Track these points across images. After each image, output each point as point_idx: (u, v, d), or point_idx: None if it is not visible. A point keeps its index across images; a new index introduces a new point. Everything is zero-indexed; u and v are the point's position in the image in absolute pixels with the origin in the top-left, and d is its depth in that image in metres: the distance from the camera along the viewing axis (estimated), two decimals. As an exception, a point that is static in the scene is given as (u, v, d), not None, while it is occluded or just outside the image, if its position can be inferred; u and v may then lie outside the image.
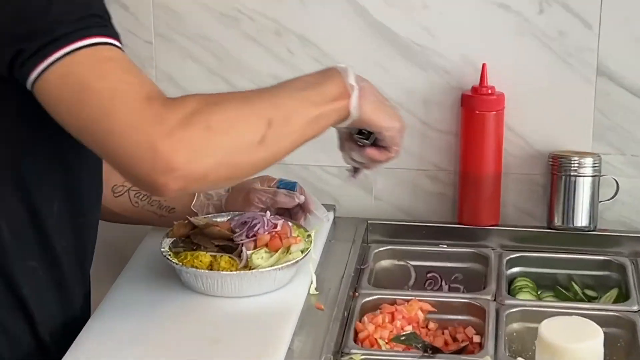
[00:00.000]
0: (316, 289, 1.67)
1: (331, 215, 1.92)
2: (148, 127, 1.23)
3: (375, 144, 1.56)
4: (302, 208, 1.76)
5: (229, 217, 1.71)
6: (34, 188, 1.39)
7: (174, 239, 1.67)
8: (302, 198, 1.75)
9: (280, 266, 1.60)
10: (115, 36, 1.31)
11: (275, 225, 1.65)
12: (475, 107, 1.88)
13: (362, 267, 1.83)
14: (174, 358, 1.44)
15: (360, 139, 1.54)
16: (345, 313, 1.65)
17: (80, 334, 1.48)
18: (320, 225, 1.76)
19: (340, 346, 1.56)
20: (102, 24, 1.29)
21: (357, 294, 1.72)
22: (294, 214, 1.76)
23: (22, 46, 1.26)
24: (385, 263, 1.89)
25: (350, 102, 1.43)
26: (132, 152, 1.23)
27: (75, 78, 1.25)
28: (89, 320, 1.52)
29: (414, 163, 1.96)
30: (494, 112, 1.88)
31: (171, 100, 1.27)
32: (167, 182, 1.24)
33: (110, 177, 1.63)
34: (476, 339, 1.64)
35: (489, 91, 1.88)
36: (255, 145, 1.30)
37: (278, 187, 1.76)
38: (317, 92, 1.39)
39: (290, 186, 1.76)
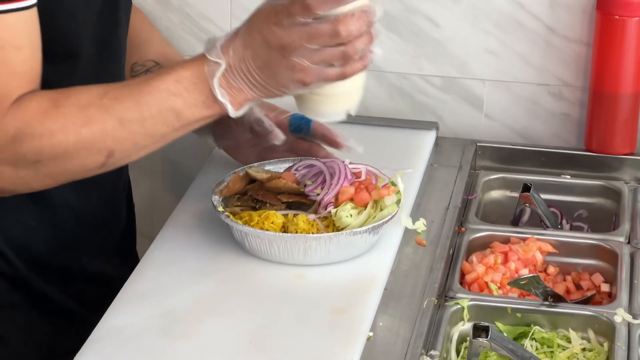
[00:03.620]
0: (420, 222, 1.60)
1: (433, 135, 1.86)
2: None
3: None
4: (328, 143, 1.61)
5: (289, 166, 1.57)
6: None
7: (225, 197, 1.52)
8: (280, 137, 1.57)
9: (377, 224, 1.46)
10: None
11: (358, 174, 1.52)
12: (614, 11, 1.79)
13: (469, 197, 1.75)
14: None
15: None
16: (451, 251, 1.59)
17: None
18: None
19: (445, 289, 1.50)
20: None
21: (463, 228, 1.66)
22: (303, 149, 1.61)
23: None
24: (495, 194, 1.82)
25: (219, 106, 1.37)
26: None
27: None
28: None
29: (534, 76, 1.89)
30: (637, 18, 1.79)
31: (9, 112, 1.33)
32: None
33: (132, 54, 1.61)
34: (604, 287, 1.59)
35: (632, -9, 1.81)
36: (92, 171, 1.39)
37: (290, 123, 1.62)
38: (171, 109, 1.36)
39: (304, 120, 1.60)
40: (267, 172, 1.54)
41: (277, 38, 1.33)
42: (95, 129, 1.34)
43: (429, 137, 1.82)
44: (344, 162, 1.52)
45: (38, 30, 1.35)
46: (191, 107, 1.36)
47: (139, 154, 1.38)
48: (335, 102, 1.41)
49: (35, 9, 1.34)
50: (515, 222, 1.71)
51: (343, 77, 1.36)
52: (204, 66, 1.36)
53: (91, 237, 1.59)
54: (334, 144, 1.59)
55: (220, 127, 1.59)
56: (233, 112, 1.37)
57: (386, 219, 1.47)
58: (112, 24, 1.52)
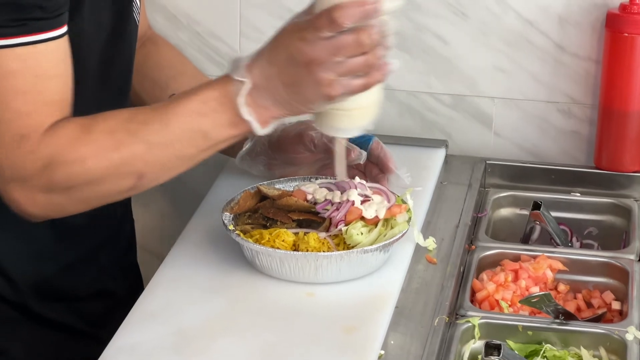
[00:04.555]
0: (430, 240, 1.60)
1: (442, 153, 1.86)
2: (12, 172, 1.35)
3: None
4: (380, 167, 1.62)
5: (299, 184, 1.57)
6: None
7: (236, 214, 1.52)
8: (364, 154, 1.60)
9: (388, 242, 1.46)
10: (38, 29, 1.31)
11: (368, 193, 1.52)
12: (623, 28, 1.79)
13: (479, 215, 1.75)
14: None
15: None
16: (461, 269, 1.59)
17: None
18: (406, 187, 1.60)
19: (455, 307, 1.50)
20: (17, 17, 1.29)
21: (473, 246, 1.66)
22: (372, 175, 1.62)
23: None
24: (505, 211, 1.82)
25: (245, 123, 1.37)
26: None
27: None
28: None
29: (543, 94, 1.88)
30: (646, 36, 1.80)
31: (42, 140, 1.35)
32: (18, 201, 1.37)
33: (169, 85, 1.63)
34: (615, 305, 1.59)
35: (641, 9, 1.80)
36: (122, 193, 1.41)
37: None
38: (198, 130, 1.37)
39: (364, 139, 1.61)
40: (278, 190, 1.55)
41: (303, 54, 1.33)
42: (124, 153, 1.35)
43: (439, 155, 1.82)
44: (354, 180, 1.52)
45: (70, 59, 1.36)
46: (218, 127, 1.36)
47: (169, 175, 1.39)
48: (355, 117, 1.41)
49: (66, 37, 1.35)
50: (526, 239, 1.71)
51: (366, 87, 1.36)
52: (229, 86, 1.36)
53: (94, 256, 1.59)
54: (386, 167, 1.59)
55: (285, 156, 1.59)
56: (260, 130, 1.37)
57: (397, 236, 1.46)
58: (114, 55, 1.52)
